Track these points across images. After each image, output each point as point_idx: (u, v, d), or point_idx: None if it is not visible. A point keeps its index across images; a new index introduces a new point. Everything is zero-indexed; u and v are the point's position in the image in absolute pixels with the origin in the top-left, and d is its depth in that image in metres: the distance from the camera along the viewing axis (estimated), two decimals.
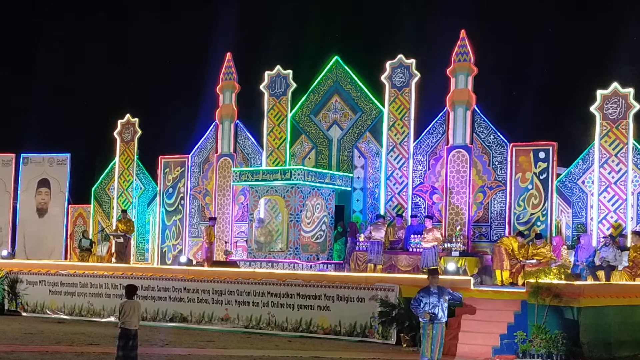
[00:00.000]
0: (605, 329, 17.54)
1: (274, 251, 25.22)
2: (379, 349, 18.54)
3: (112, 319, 22.90)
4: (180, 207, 29.26)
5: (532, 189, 23.53)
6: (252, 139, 28.22)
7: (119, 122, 30.85)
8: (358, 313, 19.67)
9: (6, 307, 24.68)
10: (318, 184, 25.21)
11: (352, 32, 35.46)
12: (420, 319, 15.29)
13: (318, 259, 24.89)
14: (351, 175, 26.33)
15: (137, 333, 14.48)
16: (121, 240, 27.55)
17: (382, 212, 25.22)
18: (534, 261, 22.05)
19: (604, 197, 23.00)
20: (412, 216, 24.68)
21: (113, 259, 27.99)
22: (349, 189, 26.22)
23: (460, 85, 24.56)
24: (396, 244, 24.38)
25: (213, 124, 28.96)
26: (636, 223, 22.72)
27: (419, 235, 23.70)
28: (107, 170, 31.32)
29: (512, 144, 24.05)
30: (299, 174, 24.50)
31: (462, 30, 24.77)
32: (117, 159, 30.71)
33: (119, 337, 14.40)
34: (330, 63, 27.02)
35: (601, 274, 21.20)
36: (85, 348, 17.81)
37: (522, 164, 23.75)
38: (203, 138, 29.25)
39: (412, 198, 25.14)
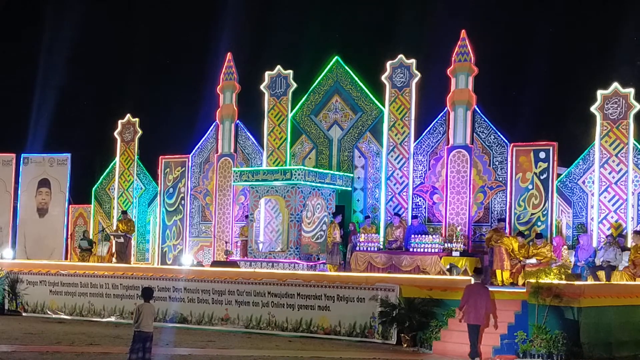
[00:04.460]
0: (605, 329, 17.54)
1: (274, 251, 25.25)
2: (379, 349, 18.54)
3: (112, 319, 22.94)
4: (180, 207, 29.27)
5: (533, 189, 23.54)
6: (253, 139, 28.23)
7: (120, 122, 30.87)
8: (358, 313, 19.66)
9: (6, 307, 24.66)
10: (318, 184, 25.21)
11: (352, 32, 35.45)
12: None
13: (318, 259, 24.88)
14: (351, 175, 26.33)
15: (152, 336, 14.53)
16: (122, 240, 27.58)
17: (380, 213, 25.31)
18: (534, 261, 22.05)
19: (605, 197, 23.00)
20: (412, 217, 24.68)
21: (113, 259, 28.01)
22: (349, 189, 26.23)
23: (460, 85, 24.56)
24: (393, 243, 24.38)
25: (213, 124, 28.96)
26: (637, 223, 22.73)
27: (419, 236, 23.69)
28: (107, 170, 31.33)
29: (512, 144, 24.05)
30: (299, 174, 24.50)
31: (463, 30, 24.77)
32: (117, 159, 30.72)
33: (134, 340, 14.39)
34: (331, 63, 27.03)
35: (601, 274, 21.21)
36: (85, 348, 17.80)
37: (523, 164, 23.76)
38: (203, 138, 29.25)
39: (412, 198, 25.15)
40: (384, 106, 25.85)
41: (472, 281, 18.15)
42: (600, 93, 23.18)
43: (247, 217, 26.61)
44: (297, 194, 24.71)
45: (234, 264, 24.47)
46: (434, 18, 33.64)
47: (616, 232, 22.50)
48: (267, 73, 27.70)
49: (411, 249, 23.77)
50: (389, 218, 25.17)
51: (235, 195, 28.16)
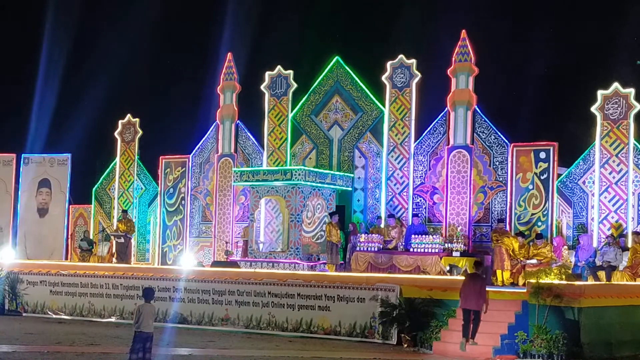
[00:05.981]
0: (605, 329, 17.55)
1: (275, 251, 25.26)
2: (380, 349, 18.54)
3: (112, 319, 22.94)
4: (181, 207, 29.26)
5: (533, 189, 23.53)
6: (253, 139, 28.23)
7: (120, 122, 30.86)
8: (358, 313, 19.66)
9: (7, 307, 24.66)
10: (319, 184, 25.21)
11: (352, 32, 35.50)
12: None
13: (319, 259, 24.88)
14: (352, 175, 26.32)
15: (152, 336, 14.53)
16: (122, 240, 27.58)
17: (382, 214, 25.33)
18: (534, 261, 22.06)
19: (605, 198, 23.00)
20: (413, 215, 24.68)
21: (114, 259, 28.00)
22: (349, 189, 26.22)
23: (461, 86, 24.56)
24: (389, 243, 24.37)
25: (214, 124, 28.96)
26: (637, 223, 22.73)
27: (420, 236, 23.67)
28: (107, 170, 31.32)
29: (512, 144, 24.05)
30: (299, 174, 24.49)
31: (463, 30, 24.77)
32: (117, 159, 30.72)
33: (135, 340, 14.40)
34: (331, 63, 27.01)
35: (602, 274, 21.22)
36: (85, 348, 17.81)
37: (523, 164, 23.75)
38: (204, 138, 29.24)
39: (412, 198, 25.14)
40: (384, 106, 25.85)
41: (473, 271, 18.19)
42: (600, 93, 23.17)
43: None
44: (297, 194, 24.71)
45: (234, 264, 24.47)
46: (434, 18, 33.68)
47: (616, 232, 22.51)
48: (267, 73, 27.69)
49: (411, 249, 23.75)
50: (389, 221, 25.13)
51: (235, 195, 28.16)
